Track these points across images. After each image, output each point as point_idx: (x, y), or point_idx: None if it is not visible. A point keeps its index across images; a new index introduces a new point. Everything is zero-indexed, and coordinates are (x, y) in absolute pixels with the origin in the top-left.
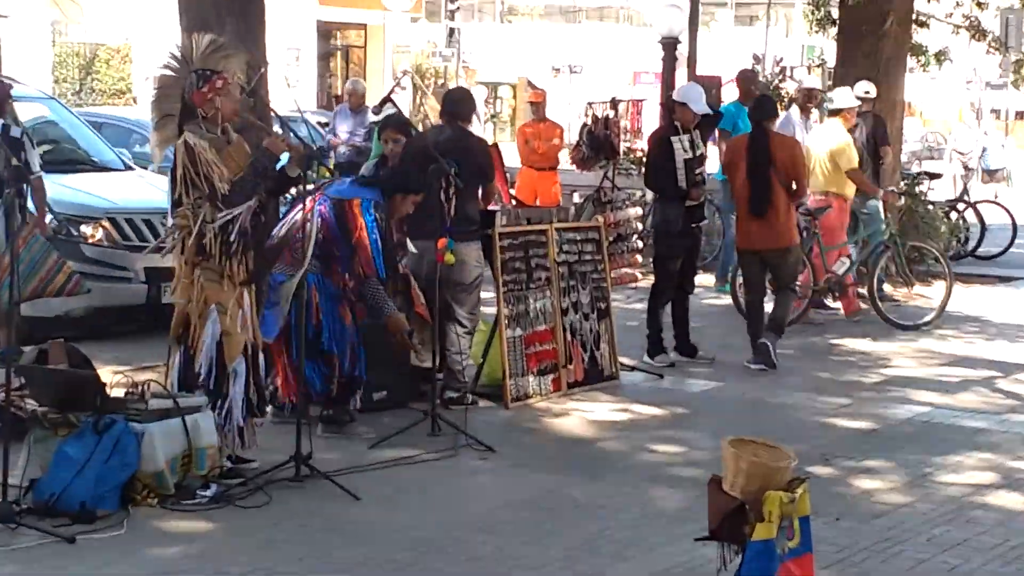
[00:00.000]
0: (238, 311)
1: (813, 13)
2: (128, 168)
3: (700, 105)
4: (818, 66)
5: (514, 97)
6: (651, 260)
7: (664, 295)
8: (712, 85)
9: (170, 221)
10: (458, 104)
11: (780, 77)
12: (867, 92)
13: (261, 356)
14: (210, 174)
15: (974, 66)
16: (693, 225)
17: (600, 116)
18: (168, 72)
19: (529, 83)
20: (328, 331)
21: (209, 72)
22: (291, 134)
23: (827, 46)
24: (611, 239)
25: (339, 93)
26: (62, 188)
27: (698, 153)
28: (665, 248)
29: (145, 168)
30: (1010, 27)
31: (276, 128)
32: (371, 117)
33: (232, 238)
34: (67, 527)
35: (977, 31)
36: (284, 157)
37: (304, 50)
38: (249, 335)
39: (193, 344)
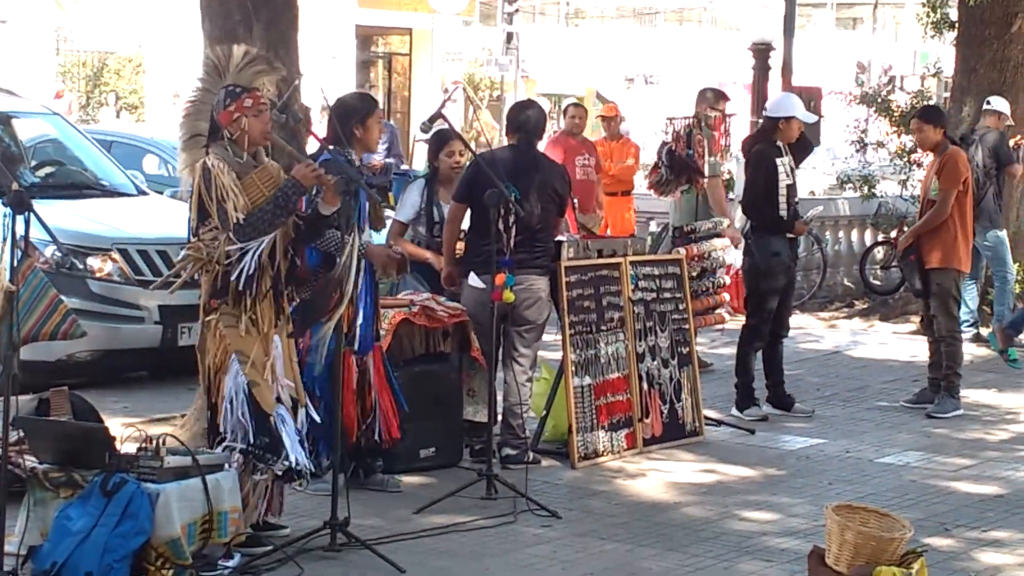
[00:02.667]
0: (264, 359)
1: (928, 15)
2: (141, 193)
3: (806, 114)
4: (933, 75)
5: None
6: (742, 298)
7: (757, 339)
8: (811, 97)
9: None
10: (531, 119)
11: (889, 88)
12: (999, 108)
13: (303, 413)
14: (224, 200)
15: None
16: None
17: (682, 133)
18: (200, 87)
19: (599, 95)
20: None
21: (239, 89)
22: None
23: (944, 52)
24: (694, 274)
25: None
26: (66, 215)
27: (795, 179)
28: (763, 284)
29: (161, 193)
30: None
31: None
32: (420, 135)
33: (242, 278)
34: None
35: None
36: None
37: (341, 57)
38: (280, 390)
39: (217, 402)
